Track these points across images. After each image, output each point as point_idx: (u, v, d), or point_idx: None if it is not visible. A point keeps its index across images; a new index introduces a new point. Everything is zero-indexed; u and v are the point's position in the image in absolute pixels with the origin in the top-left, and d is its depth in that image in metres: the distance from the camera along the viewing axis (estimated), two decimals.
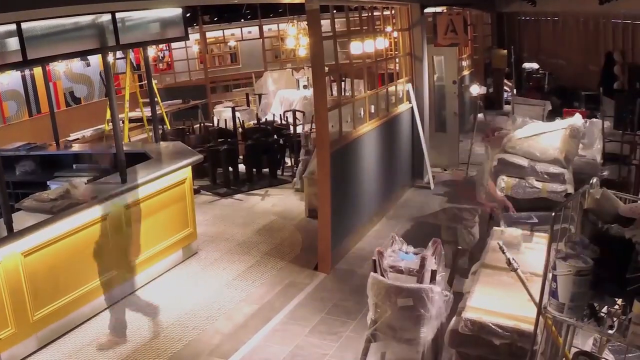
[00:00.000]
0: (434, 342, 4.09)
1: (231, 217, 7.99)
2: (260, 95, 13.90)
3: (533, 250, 4.28)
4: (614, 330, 2.53)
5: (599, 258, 2.53)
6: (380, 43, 8.82)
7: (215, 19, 16.02)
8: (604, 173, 6.78)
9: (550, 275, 2.65)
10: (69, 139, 10.88)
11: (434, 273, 4.02)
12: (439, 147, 9.97)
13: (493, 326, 3.35)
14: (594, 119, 7.83)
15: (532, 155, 6.20)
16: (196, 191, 8.43)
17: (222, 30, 16.65)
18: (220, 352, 4.82)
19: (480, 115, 11.82)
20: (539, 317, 2.72)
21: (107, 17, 5.49)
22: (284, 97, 12.61)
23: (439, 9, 10.57)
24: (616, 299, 2.60)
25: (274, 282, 6.03)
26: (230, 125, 10.66)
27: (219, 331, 5.10)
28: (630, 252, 2.52)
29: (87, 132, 11.96)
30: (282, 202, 8.57)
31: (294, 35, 14.62)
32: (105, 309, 5.50)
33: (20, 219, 4.78)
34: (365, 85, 8.38)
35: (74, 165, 7.37)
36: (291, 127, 10.23)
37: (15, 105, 11.15)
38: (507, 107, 15.21)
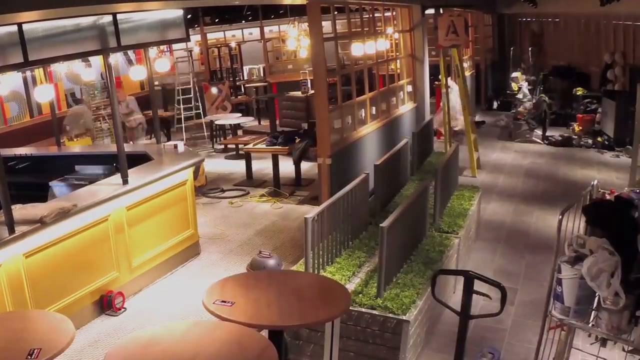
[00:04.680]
0: None
1: (232, 218, 7.98)
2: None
3: None
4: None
5: None
6: (381, 44, 8.82)
7: (217, 20, 16.01)
8: None
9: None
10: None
11: None
12: None
13: None
14: None
15: None
16: None
17: (223, 32, 16.64)
18: None
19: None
20: (544, 320, 2.71)
21: (108, 19, 5.49)
22: None
23: (439, 10, 10.57)
24: None
25: None
26: None
27: None
28: (635, 254, 2.51)
29: None
30: (282, 202, 8.56)
31: (295, 37, 14.62)
32: (107, 310, 5.48)
33: None
34: (366, 86, 8.38)
35: (75, 167, 7.35)
36: None
37: (17, 106, 11.14)
38: None
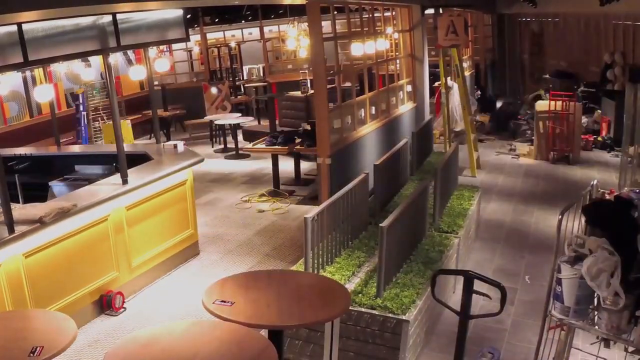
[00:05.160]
0: None
1: (232, 218, 7.98)
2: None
3: None
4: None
5: None
6: (381, 44, 8.83)
7: (216, 20, 16.00)
8: None
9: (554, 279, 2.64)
10: None
11: None
12: None
13: None
14: None
15: None
16: None
17: (222, 32, 16.63)
18: None
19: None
20: (544, 320, 2.71)
21: (107, 19, 5.49)
22: None
23: (439, 10, 10.57)
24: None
25: None
26: None
27: None
28: (635, 253, 2.51)
29: None
30: (282, 202, 8.55)
31: (295, 37, 14.62)
32: (107, 310, 5.48)
33: None
34: (365, 86, 8.38)
35: (75, 167, 7.35)
36: None
37: (17, 106, 11.14)
38: None
